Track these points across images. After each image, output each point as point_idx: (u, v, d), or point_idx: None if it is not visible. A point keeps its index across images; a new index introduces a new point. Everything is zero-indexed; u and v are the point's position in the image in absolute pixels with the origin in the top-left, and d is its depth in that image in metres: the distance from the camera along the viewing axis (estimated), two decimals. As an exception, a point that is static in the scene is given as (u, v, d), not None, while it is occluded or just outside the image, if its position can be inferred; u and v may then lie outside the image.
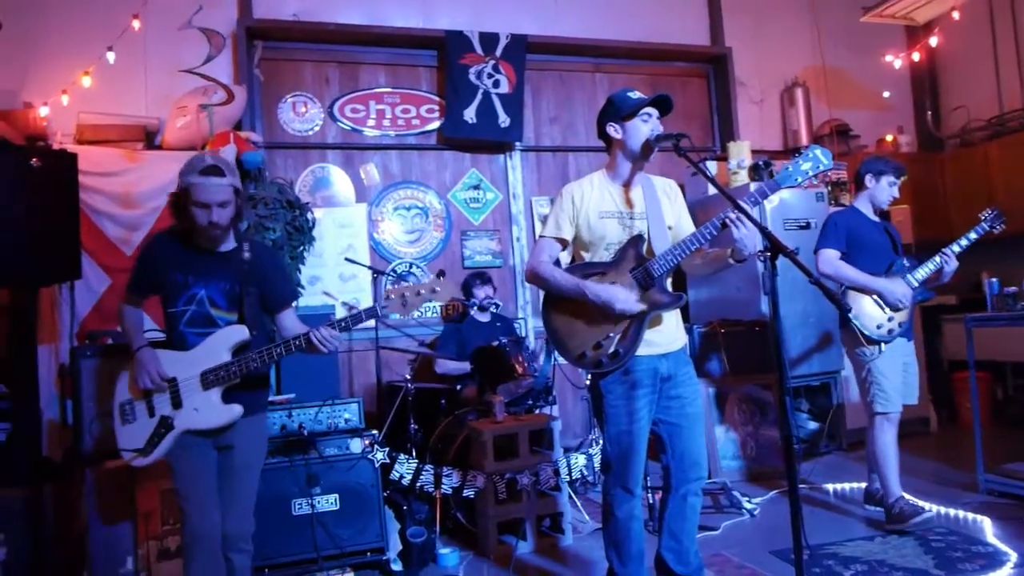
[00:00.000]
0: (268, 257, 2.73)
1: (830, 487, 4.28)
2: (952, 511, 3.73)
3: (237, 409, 2.48)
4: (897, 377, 3.65)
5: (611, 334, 2.55)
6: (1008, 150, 6.05)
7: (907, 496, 3.61)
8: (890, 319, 3.60)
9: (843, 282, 3.66)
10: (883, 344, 3.61)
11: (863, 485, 4.09)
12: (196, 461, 2.49)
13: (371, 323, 4.90)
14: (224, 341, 2.49)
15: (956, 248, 3.66)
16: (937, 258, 3.64)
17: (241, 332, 2.50)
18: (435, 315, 5.43)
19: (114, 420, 2.56)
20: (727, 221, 2.40)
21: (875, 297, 3.61)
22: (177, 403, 2.48)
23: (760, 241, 2.36)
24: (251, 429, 2.57)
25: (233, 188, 2.50)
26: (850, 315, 3.58)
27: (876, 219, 3.82)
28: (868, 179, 3.78)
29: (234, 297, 2.53)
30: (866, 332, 3.59)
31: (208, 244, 2.55)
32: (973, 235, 3.68)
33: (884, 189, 3.76)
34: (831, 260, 3.67)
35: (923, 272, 3.66)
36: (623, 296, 2.51)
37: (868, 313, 3.61)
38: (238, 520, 2.52)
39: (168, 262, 2.53)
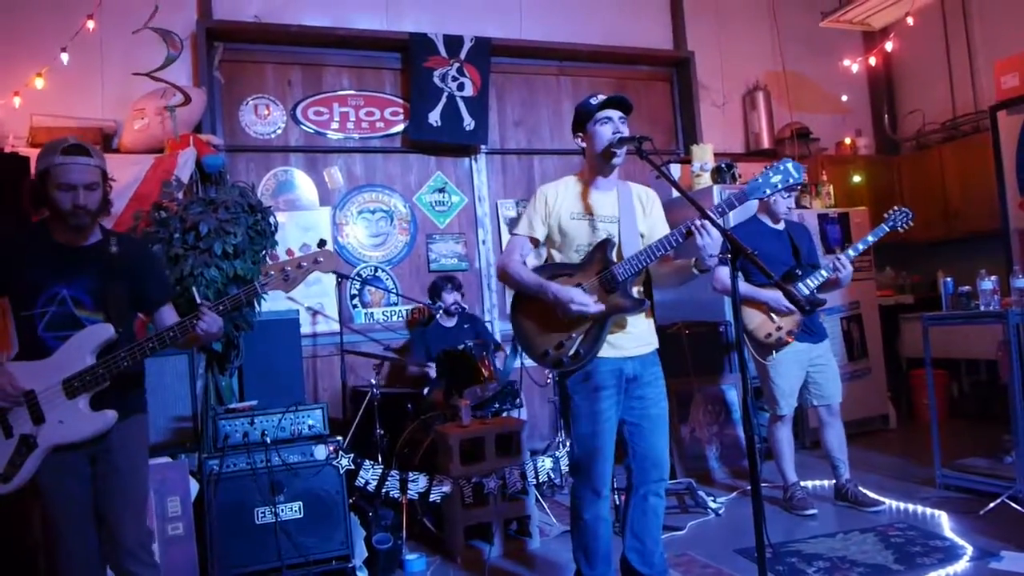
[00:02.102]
0: (139, 252, 2.50)
1: (793, 485, 4.34)
2: (911, 506, 3.80)
3: (111, 415, 2.24)
4: (787, 383, 3.85)
5: (573, 335, 2.57)
6: (961, 153, 6.20)
7: (803, 483, 4.00)
8: (778, 328, 3.77)
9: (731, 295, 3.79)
10: (775, 352, 3.79)
11: (825, 483, 4.17)
12: (70, 481, 2.24)
13: (335, 327, 4.88)
14: (87, 343, 2.24)
15: (852, 253, 3.74)
16: (831, 264, 3.69)
17: (105, 331, 2.25)
18: (400, 319, 5.40)
19: None
20: (692, 228, 2.41)
21: (763, 308, 3.78)
22: (38, 418, 2.20)
23: (718, 252, 2.41)
24: (127, 433, 2.33)
25: (101, 171, 2.28)
26: (743, 328, 3.77)
27: (778, 227, 3.93)
28: None
29: (101, 295, 2.29)
30: (758, 342, 3.80)
31: (71, 236, 2.29)
32: (871, 238, 3.75)
33: (778, 201, 3.85)
34: (723, 278, 3.77)
35: (814, 280, 3.73)
36: (579, 298, 2.52)
37: (758, 325, 3.79)
38: (130, 528, 2.29)
39: (22, 258, 2.26)
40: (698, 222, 2.38)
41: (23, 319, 2.27)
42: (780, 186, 2.44)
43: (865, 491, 3.88)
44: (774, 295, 3.70)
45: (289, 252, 2.30)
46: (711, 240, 2.37)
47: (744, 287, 3.76)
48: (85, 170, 2.23)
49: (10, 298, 2.31)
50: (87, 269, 2.29)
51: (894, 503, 3.85)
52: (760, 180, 2.46)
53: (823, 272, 3.74)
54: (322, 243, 2.36)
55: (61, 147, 2.23)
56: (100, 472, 2.29)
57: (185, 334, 2.25)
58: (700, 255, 2.43)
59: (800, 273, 3.76)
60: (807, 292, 3.72)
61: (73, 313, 2.26)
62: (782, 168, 2.44)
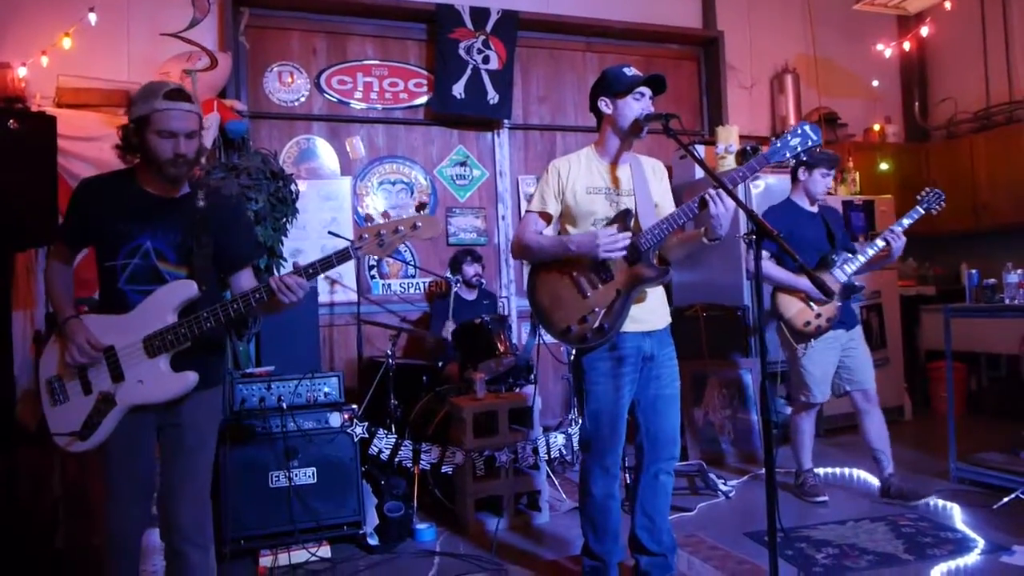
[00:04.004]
0: (228, 207, 2.38)
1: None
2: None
3: (192, 377, 2.14)
4: (820, 371, 3.76)
5: (596, 308, 2.55)
6: (993, 143, 6.09)
7: (817, 471, 3.98)
8: (817, 315, 3.69)
9: (772, 283, 3.76)
10: (812, 340, 3.71)
11: (837, 470, 4.16)
12: (136, 446, 2.17)
13: (353, 297, 4.89)
14: (168, 300, 2.13)
15: (906, 222, 3.65)
16: (880, 241, 3.63)
17: (188, 288, 2.14)
18: (417, 292, 5.41)
19: (41, 401, 2.20)
20: (706, 197, 2.39)
21: (802, 295, 3.70)
22: (118, 375, 2.13)
23: (729, 224, 2.39)
24: (204, 404, 2.24)
25: (200, 119, 2.17)
26: (780, 316, 3.77)
27: (813, 210, 3.85)
28: (801, 172, 3.83)
29: (186, 250, 2.18)
30: (795, 330, 3.72)
31: (163, 186, 2.19)
32: (907, 220, 3.64)
33: (818, 181, 3.78)
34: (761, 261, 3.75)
35: (853, 265, 3.67)
36: (605, 234, 2.49)
37: (796, 312, 3.72)
38: (191, 507, 2.20)
39: (110, 207, 2.16)
40: (712, 191, 2.37)
41: (105, 270, 2.19)
42: (799, 148, 2.41)
43: (911, 485, 3.76)
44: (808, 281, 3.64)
45: (385, 215, 2.23)
46: (724, 210, 2.37)
47: (783, 274, 3.69)
48: (187, 117, 2.12)
49: (95, 248, 2.23)
50: (173, 222, 2.19)
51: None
52: (779, 144, 2.42)
53: (868, 249, 3.66)
54: (421, 206, 2.30)
55: (163, 91, 2.11)
56: (166, 447, 2.22)
57: (271, 296, 2.13)
58: (711, 224, 2.41)
59: (836, 259, 3.68)
60: (845, 278, 3.64)
61: (156, 266, 2.17)
62: (800, 131, 2.41)
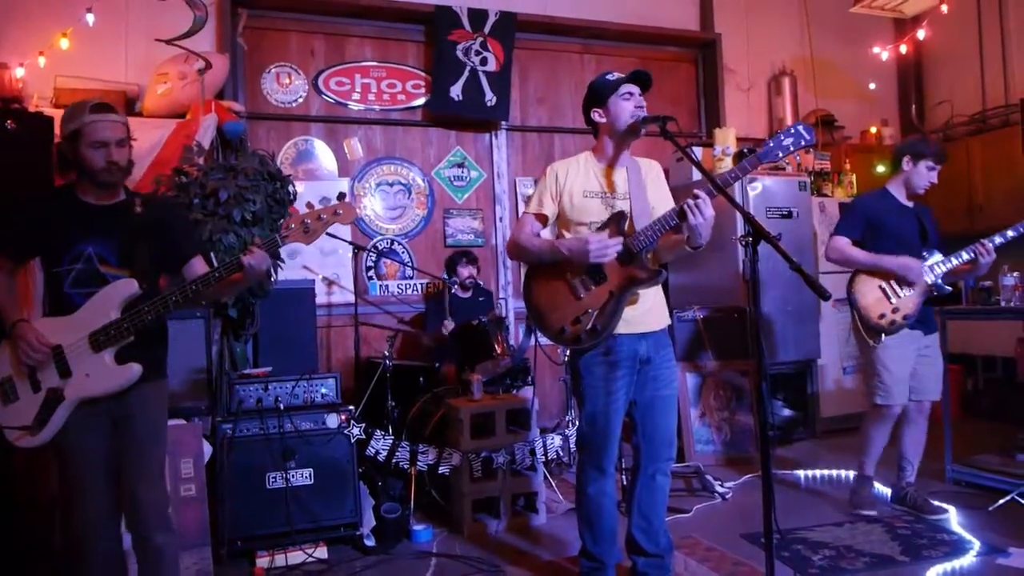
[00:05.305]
0: (163, 211, 2.54)
1: (801, 473, 4.33)
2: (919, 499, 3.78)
3: (136, 368, 2.24)
4: (901, 370, 3.50)
5: (590, 309, 2.56)
6: (989, 147, 6.10)
7: (876, 485, 3.73)
8: (895, 310, 3.46)
9: (854, 266, 3.57)
10: (883, 335, 3.48)
11: (834, 472, 4.15)
12: (90, 438, 2.28)
13: (351, 298, 4.89)
14: (112, 298, 2.25)
15: (999, 239, 3.47)
16: (964, 254, 3.46)
17: (130, 286, 2.26)
18: (415, 293, 5.41)
19: None
20: (685, 207, 2.40)
21: (885, 285, 3.49)
22: (65, 372, 2.23)
23: (709, 233, 2.43)
24: (151, 395, 2.36)
25: (127, 128, 2.31)
26: (854, 304, 3.53)
27: (908, 204, 3.61)
28: (905, 162, 3.58)
29: (126, 253, 2.31)
30: (868, 322, 3.50)
31: (100, 195, 2.33)
32: (1010, 232, 3.47)
33: (922, 174, 3.54)
34: (839, 247, 3.56)
35: (943, 266, 3.47)
36: (596, 239, 2.50)
37: (872, 303, 3.50)
38: (148, 496, 2.30)
39: (53, 219, 2.31)
40: (691, 202, 2.39)
41: (51, 276, 2.31)
42: (792, 148, 2.42)
43: (927, 498, 3.62)
44: (903, 262, 3.43)
45: (309, 205, 2.29)
46: (703, 220, 2.39)
47: (863, 255, 3.50)
48: (115, 126, 2.27)
49: (41, 257, 2.36)
50: (112, 227, 2.31)
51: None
52: (772, 144, 2.44)
53: (952, 259, 3.47)
54: (341, 196, 2.34)
55: (88, 106, 2.26)
56: (120, 438, 2.32)
57: (218, 281, 2.24)
58: (691, 233, 2.43)
59: (926, 255, 3.48)
60: (934, 279, 3.45)
61: (98, 270, 2.29)
62: (792, 131, 2.44)
